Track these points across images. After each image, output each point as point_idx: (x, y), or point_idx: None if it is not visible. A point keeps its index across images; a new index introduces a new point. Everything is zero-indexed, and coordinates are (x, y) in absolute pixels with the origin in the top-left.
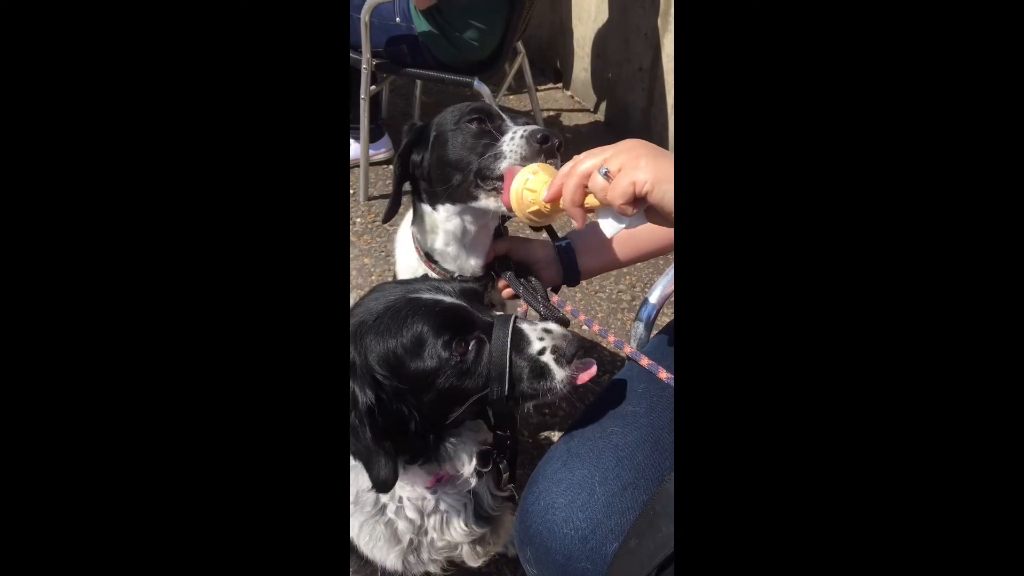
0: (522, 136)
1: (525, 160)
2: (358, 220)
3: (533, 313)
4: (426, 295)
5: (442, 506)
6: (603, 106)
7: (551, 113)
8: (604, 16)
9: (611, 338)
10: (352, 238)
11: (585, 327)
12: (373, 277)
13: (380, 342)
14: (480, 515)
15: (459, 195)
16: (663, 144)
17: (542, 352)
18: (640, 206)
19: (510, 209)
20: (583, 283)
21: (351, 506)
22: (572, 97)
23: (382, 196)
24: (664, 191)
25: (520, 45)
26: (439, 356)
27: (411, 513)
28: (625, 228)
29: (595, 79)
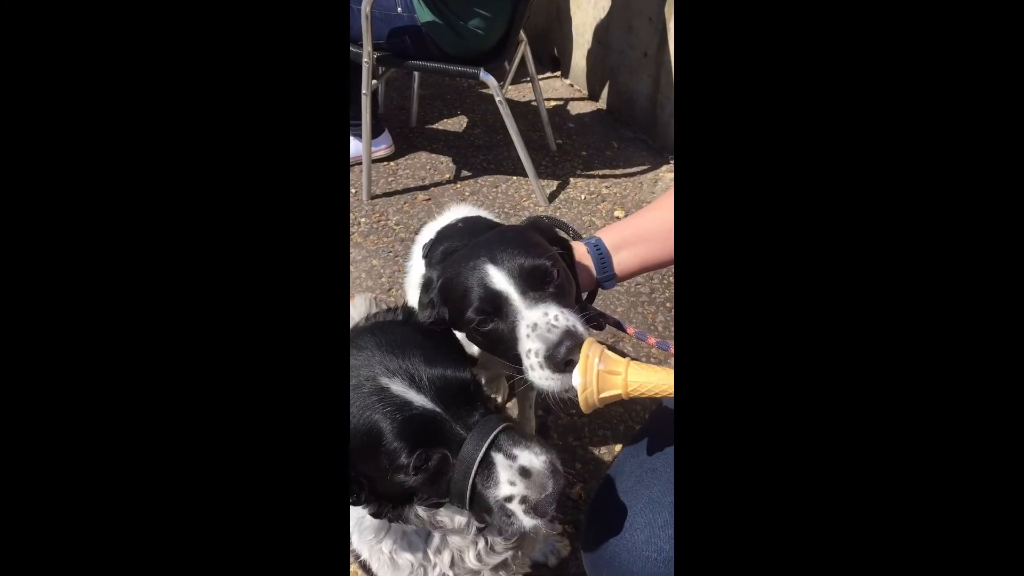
0: (541, 365)
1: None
2: (362, 220)
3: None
4: (396, 387)
5: (451, 543)
6: (604, 94)
7: (555, 103)
8: (606, 1)
9: (631, 330)
10: (358, 239)
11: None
12: (383, 279)
13: None
14: (493, 548)
15: None
16: (671, 132)
17: (509, 499)
18: None
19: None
20: None
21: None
22: (571, 86)
23: (385, 194)
24: None
25: (522, 33)
26: (394, 462)
27: (408, 555)
28: None
29: (596, 66)
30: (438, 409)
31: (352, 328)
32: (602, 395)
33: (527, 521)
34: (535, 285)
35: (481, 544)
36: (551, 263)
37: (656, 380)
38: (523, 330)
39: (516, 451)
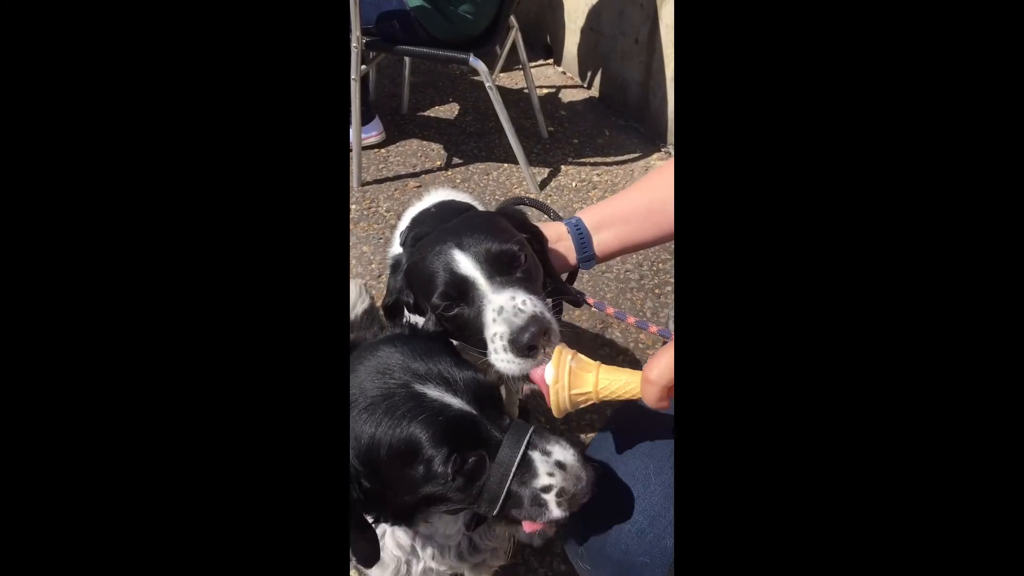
0: (504, 348)
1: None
2: (353, 207)
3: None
4: (433, 392)
5: (436, 540)
6: (597, 81)
7: (547, 90)
8: None
9: (610, 310)
10: (349, 225)
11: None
12: (373, 265)
13: (365, 434)
14: (475, 547)
15: None
16: (662, 119)
17: (547, 490)
18: None
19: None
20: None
21: None
22: (564, 73)
23: (376, 181)
24: None
25: (513, 19)
26: (431, 469)
27: (395, 550)
28: None
29: (588, 53)
30: (475, 411)
31: (360, 338)
32: (573, 391)
33: (556, 512)
34: (502, 270)
35: (464, 543)
36: (518, 248)
37: (626, 379)
38: (489, 314)
39: (550, 447)
